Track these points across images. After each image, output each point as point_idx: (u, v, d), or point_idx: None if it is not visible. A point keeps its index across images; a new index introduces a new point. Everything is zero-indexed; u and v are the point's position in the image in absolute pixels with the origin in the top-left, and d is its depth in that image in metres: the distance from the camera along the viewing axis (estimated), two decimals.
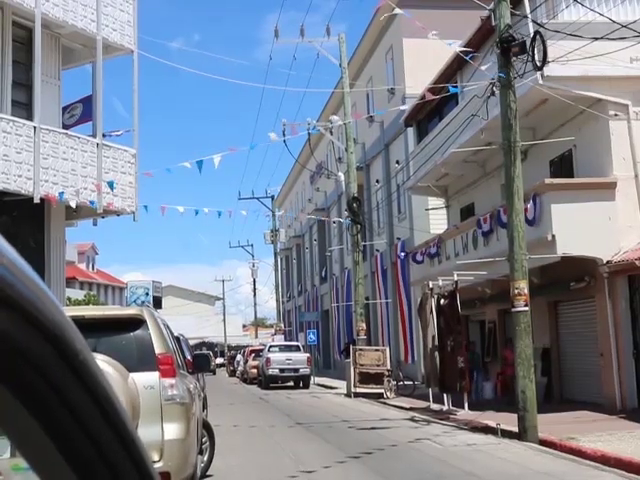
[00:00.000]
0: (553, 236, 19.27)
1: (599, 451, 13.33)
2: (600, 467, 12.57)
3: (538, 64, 16.27)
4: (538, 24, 17.73)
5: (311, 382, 40.67)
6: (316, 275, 62.10)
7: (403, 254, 31.33)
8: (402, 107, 27.96)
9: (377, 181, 41.50)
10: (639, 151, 19.97)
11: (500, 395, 24.59)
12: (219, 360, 76.93)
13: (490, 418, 18.73)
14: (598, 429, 15.96)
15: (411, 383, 29.91)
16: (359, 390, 30.19)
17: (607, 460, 12.77)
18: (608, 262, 19.57)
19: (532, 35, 16.64)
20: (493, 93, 17.71)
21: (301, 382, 40.23)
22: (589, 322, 21.28)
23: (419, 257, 29.42)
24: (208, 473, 12.01)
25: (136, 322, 8.82)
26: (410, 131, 33.95)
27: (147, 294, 44.95)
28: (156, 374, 8.53)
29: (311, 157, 40.72)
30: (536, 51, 16.31)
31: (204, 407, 14.79)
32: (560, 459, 13.77)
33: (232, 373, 61.80)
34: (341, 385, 34.31)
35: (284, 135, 29.71)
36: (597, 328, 20.71)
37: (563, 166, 22.35)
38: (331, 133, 33.20)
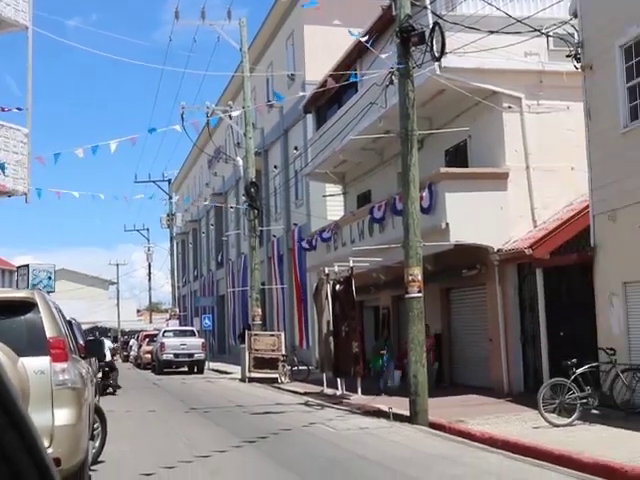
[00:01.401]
0: (447, 224, 19.65)
1: (487, 433, 13.72)
2: (488, 449, 12.94)
3: (436, 55, 16.52)
4: (437, 15, 18.02)
5: (206, 367, 40.50)
6: (212, 260, 61.76)
7: (304, 242, 31.43)
8: (302, 94, 28.04)
9: (275, 167, 41.49)
10: (531, 143, 20.53)
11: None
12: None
13: (383, 402, 19.02)
14: (486, 412, 16.42)
15: (306, 368, 30.09)
16: (254, 375, 30.24)
17: (494, 442, 13.16)
18: (499, 250, 20.10)
19: (431, 26, 16.88)
20: (392, 82, 17.91)
21: (196, 367, 40.01)
22: (480, 308, 21.84)
23: (315, 243, 29.58)
24: (100, 459, 11.84)
25: (27, 305, 8.61)
26: (309, 117, 34.06)
27: (50, 278, 43.88)
28: (47, 358, 8.35)
29: (210, 141, 40.39)
30: (435, 42, 16.55)
31: (97, 392, 14.58)
32: (449, 441, 14.11)
33: (125, 358, 60.98)
34: (236, 370, 34.27)
35: (182, 119, 29.41)
36: (487, 314, 21.28)
37: (458, 156, 22.80)
38: (230, 118, 32.97)
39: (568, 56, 17.50)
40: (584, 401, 14.57)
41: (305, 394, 23.89)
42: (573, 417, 14.28)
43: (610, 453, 10.98)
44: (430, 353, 21.54)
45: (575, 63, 17.36)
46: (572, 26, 17.79)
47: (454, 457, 12.34)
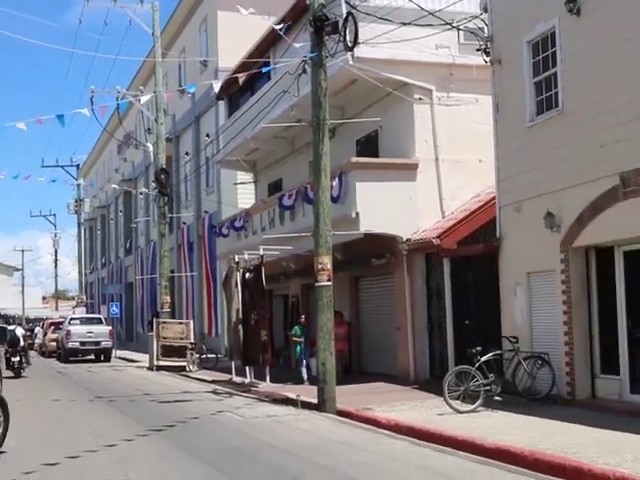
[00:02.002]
0: (357, 213, 19.79)
1: (393, 420, 13.91)
2: (394, 435, 13.12)
3: (349, 45, 16.58)
4: (351, 6, 18.06)
5: (113, 355, 39.94)
6: (121, 247, 60.89)
7: (216, 229, 31.21)
8: (214, 81, 27.73)
9: (187, 153, 41.06)
10: (440, 135, 20.82)
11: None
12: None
13: (291, 390, 19.09)
14: (393, 399, 16.64)
15: (214, 356, 29.95)
16: (162, 363, 29.98)
17: (400, 428, 13.36)
18: (407, 240, 20.36)
19: (344, 16, 16.93)
20: (305, 71, 17.93)
21: (102, 355, 39.42)
22: (388, 297, 22.08)
23: (226, 231, 29.44)
24: (2, 450, 11.58)
25: None
26: (221, 104, 33.82)
27: None
28: None
29: (120, 126, 39.74)
30: (348, 32, 16.59)
31: None
32: (357, 429, 14.26)
33: (30, 346, 59.62)
34: (144, 358, 33.88)
35: (92, 102, 28.86)
36: (395, 303, 21.53)
37: (369, 146, 22.97)
38: (140, 103, 32.48)
39: (478, 50, 17.81)
40: (488, 388, 14.90)
41: (213, 382, 23.81)
42: (477, 404, 14.59)
43: (511, 438, 11.26)
44: (345, 341, 21.66)
45: (484, 57, 17.67)
46: (482, 20, 18.12)
47: (361, 444, 12.47)
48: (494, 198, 17.88)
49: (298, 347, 22.25)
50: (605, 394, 14.52)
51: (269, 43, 26.29)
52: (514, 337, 15.88)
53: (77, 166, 67.45)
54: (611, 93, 13.73)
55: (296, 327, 22.82)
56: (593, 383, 14.91)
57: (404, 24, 18.27)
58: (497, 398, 15.14)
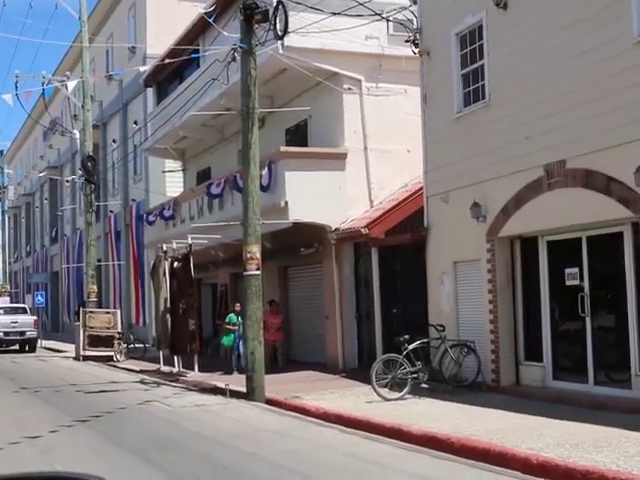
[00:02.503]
0: (286, 203, 19.81)
1: (322, 408, 14.00)
2: (322, 423, 13.21)
3: (279, 34, 16.54)
4: None
5: (38, 345, 39.23)
6: (46, 235, 59.77)
7: (144, 217, 30.82)
8: (142, 68, 27.47)
9: (114, 140, 40.50)
10: (369, 125, 20.95)
11: (231, 356, 25.13)
12: None
13: (220, 380, 19.05)
14: (321, 388, 16.75)
15: (142, 346, 29.69)
16: (88, 353, 29.59)
17: (328, 416, 13.45)
18: (336, 229, 20.46)
19: (275, 5, 16.87)
20: (234, 59, 17.82)
21: (27, 346, 38.66)
22: (317, 286, 22.16)
23: (153, 219, 29.15)
24: None
25: None
26: (150, 91, 33.43)
27: None
28: None
29: (45, 112, 38.97)
30: (278, 21, 16.55)
31: None
32: (285, 417, 14.31)
33: None
34: (70, 349, 33.39)
35: (16, 87, 28.24)
36: (324, 292, 21.63)
37: (298, 135, 22.99)
38: (67, 88, 31.90)
39: (407, 41, 17.95)
40: (415, 376, 15.09)
41: (141, 372, 23.61)
42: (404, 391, 14.77)
43: (438, 425, 11.44)
44: (281, 331, 21.56)
45: (413, 48, 17.82)
46: (411, 12, 18.27)
47: (289, 432, 12.53)
48: (422, 188, 18.08)
49: (232, 335, 22.07)
50: (529, 381, 14.85)
51: (199, 30, 26.06)
52: (441, 325, 16.11)
53: (0, 153, 65.97)
54: (536, 86, 14.00)
55: (231, 315, 22.62)
56: (517, 370, 15.22)
57: (334, 14, 18.31)
58: (424, 385, 15.35)
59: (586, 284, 13.61)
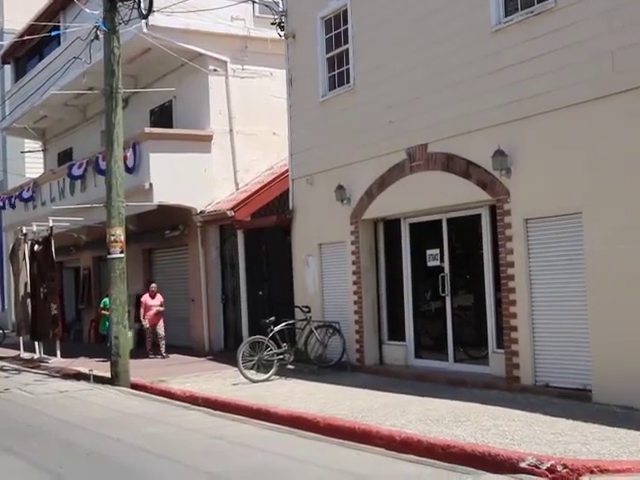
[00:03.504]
0: (151, 184, 19.55)
1: (188, 391, 13.95)
2: (189, 407, 13.16)
3: (144, 12, 16.24)
4: None
5: None
6: None
7: (4, 199, 29.67)
8: None
9: None
10: (235, 107, 20.88)
11: (94, 341, 24.68)
12: None
13: (83, 365, 18.68)
14: (188, 371, 16.69)
15: (1, 332, 28.73)
16: None
17: (195, 399, 13.42)
18: (202, 212, 20.36)
19: None
20: (97, 37, 17.40)
21: None
22: (182, 269, 22.01)
23: (13, 201, 28.18)
24: None
25: None
26: (7, 68, 32.25)
27: None
28: None
29: None
30: None
31: None
32: (151, 401, 14.18)
33: None
34: None
35: None
36: (189, 275, 21.50)
37: (163, 116, 22.70)
38: None
39: (273, 24, 17.98)
40: (281, 357, 15.23)
41: (0, 359, 22.87)
42: (270, 373, 14.89)
43: (304, 405, 11.60)
44: (160, 314, 20.67)
45: (279, 31, 17.86)
46: None
47: (156, 416, 12.43)
48: (287, 171, 18.18)
49: (106, 320, 20.96)
50: (392, 360, 15.22)
51: (60, 6, 25.30)
52: (306, 307, 16.29)
53: None
54: (399, 71, 14.28)
55: (106, 299, 21.39)
56: (381, 350, 15.58)
57: None
58: (290, 367, 15.51)
59: (446, 265, 14.04)
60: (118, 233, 16.29)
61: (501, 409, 10.41)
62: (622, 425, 8.97)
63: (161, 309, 20.44)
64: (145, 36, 19.73)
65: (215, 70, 20.86)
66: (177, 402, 13.70)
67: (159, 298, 20.54)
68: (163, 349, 20.03)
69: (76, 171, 22.54)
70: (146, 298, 20.45)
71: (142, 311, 20.40)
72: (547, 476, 7.37)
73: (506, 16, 12.10)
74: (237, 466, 8.69)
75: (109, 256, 16.40)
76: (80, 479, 8.57)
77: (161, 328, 20.29)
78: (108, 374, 16.24)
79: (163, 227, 21.58)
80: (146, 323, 20.25)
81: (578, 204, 10.85)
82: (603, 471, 7.23)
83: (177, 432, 11.03)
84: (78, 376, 17.61)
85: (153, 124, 22.50)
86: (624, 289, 10.18)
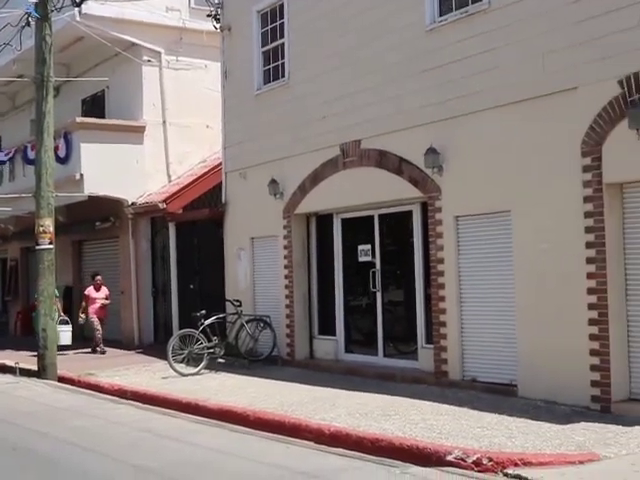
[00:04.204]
0: (81, 175, 19.30)
1: (116, 385, 13.83)
2: (118, 400, 13.05)
3: (77, 0, 16.01)
4: None
5: None
6: None
7: None
8: None
9: None
10: (169, 98, 20.71)
11: (20, 334, 24.23)
12: None
13: (9, 358, 18.35)
14: (117, 364, 16.55)
15: None
16: None
17: (124, 393, 13.31)
18: (133, 204, 20.17)
19: None
20: (28, 24, 17.07)
21: None
22: (113, 261, 21.76)
23: None
24: None
25: None
26: None
27: None
28: None
29: None
30: None
31: None
32: (79, 394, 14.02)
33: None
34: None
35: None
36: (120, 267, 21.27)
37: (95, 106, 22.40)
38: None
39: (209, 16, 17.88)
40: (211, 351, 15.18)
41: None
42: (200, 366, 14.84)
43: (234, 399, 11.59)
44: (104, 308, 20.06)
45: (215, 23, 17.77)
46: None
47: (84, 410, 12.30)
48: (221, 164, 18.11)
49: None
50: (322, 354, 15.29)
51: None
52: (237, 300, 16.25)
53: None
54: (333, 67, 14.33)
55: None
56: (311, 344, 15.63)
57: None
58: (221, 360, 15.48)
59: (378, 260, 14.15)
60: (47, 224, 16.05)
61: (429, 403, 10.56)
62: (546, 419, 9.18)
63: (106, 302, 19.74)
64: (78, 24, 19.42)
65: (149, 61, 20.66)
66: (105, 395, 13.57)
67: (104, 291, 19.78)
68: (100, 347, 19.22)
69: (2, 157, 22.13)
70: (90, 291, 19.68)
71: (84, 304, 19.57)
72: (473, 469, 7.49)
73: (441, 15, 12.24)
74: (165, 459, 8.64)
75: (37, 247, 16.14)
76: (5, 474, 8.42)
77: (104, 323, 19.63)
78: (35, 367, 15.99)
79: (93, 219, 21.32)
80: (83, 318, 19.42)
81: (507, 203, 11.05)
82: (527, 464, 7.39)
83: (104, 425, 10.93)
84: (4, 369, 17.31)
85: (85, 114, 22.19)
86: (548, 287, 10.40)
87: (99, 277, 19.82)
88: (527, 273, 10.73)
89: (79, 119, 20.38)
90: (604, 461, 7.42)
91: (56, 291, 19.11)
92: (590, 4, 9.86)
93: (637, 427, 8.57)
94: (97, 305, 19.52)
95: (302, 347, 15.56)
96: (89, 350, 19.30)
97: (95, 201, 19.74)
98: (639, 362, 9.53)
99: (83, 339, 20.01)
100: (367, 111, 13.54)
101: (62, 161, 18.99)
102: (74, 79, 21.96)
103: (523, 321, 10.79)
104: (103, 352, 19.03)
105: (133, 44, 20.45)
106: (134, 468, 8.32)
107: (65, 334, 19.23)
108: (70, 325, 19.63)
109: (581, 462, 7.38)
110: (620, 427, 8.62)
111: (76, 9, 18.25)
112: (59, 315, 18.91)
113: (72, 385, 14.99)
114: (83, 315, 19.49)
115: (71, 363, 16.54)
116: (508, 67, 10.99)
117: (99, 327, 19.28)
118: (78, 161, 19.40)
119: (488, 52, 11.29)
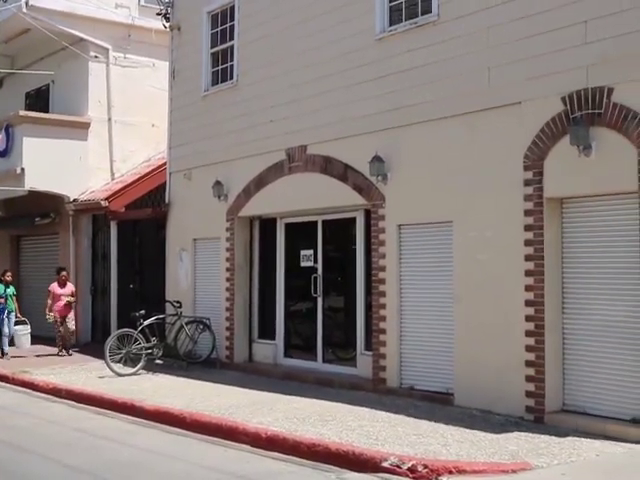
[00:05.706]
0: (22, 169, 19.03)
1: (51, 383, 13.65)
2: (52, 399, 12.89)
3: None
4: None
5: None
6: None
7: None
8: None
9: None
10: (115, 95, 20.51)
11: None
12: None
13: None
14: (53, 363, 16.37)
15: None
16: None
17: (59, 391, 13.15)
18: (75, 200, 19.93)
19: None
20: None
21: None
22: (52, 258, 21.45)
23: None
24: None
25: None
26: None
27: None
28: None
29: None
30: None
31: None
32: (13, 392, 13.82)
33: None
34: None
35: None
36: (59, 264, 20.97)
37: (39, 100, 22.11)
38: None
39: (158, 14, 17.79)
40: (149, 351, 15.06)
41: None
42: (138, 367, 14.72)
43: (171, 400, 11.52)
44: (69, 306, 18.21)
45: (164, 22, 17.69)
46: None
47: (17, 408, 12.13)
48: (165, 163, 18.00)
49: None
50: (261, 358, 15.28)
51: None
52: (177, 302, 16.15)
53: None
54: (281, 72, 14.35)
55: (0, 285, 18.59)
56: (251, 347, 15.60)
57: None
58: (159, 361, 15.35)
59: (320, 266, 14.20)
60: None
61: (367, 410, 10.62)
62: (480, 428, 9.31)
63: (72, 299, 18.19)
64: (24, 16, 19.17)
65: (96, 57, 20.45)
66: (40, 394, 13.40)
67: (70, 287, 18.38)
68: (69, 345, 18.27)
69: None
70: (54, 287, 18.19)
71: (49, 302, 18.08)
72: (408, 476, 7.57)
73: (390, 25, 12.34)
74: (100, 459, 8.57)
75: None
76: None
77: (71, 322, 18.23)
78: None
79: (33, 214, 21.01)
80: (52, 317, 17.96)
81: (449, 213, 11.17)
82: (461, 472, 7.49)
83: (39, 424, 10.79)
84: None
85: (29, 107, 21.88)
86: (484, 297, 10.55)
87: (64, 272, 18.50)
88: (466, 284, 10.87)
89: (22, 112, 20.09)
90: (536, 470, 7.56)
91: (13, 289, 18.67)
92: (535, 21, 10.05)
93: (569, 437, 8.75)
94: (62, 302, 18.02)
95: (241, 350, 15.53)
96: (60, 353, 18.08)
97: (35, 196, 19.47)
98: (573, 374, 9.73)
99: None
100: (314, 117, 13.59)
101: (2, 154, 18.72)
102: (18, 71, 21.65)
103: (461, 331, 10.93)
104: (70, 354, 18.04)
105: (80, 39, 20.22)
106: (68, 468, 8.24)
107: (24, 337, 18.42)
108: (28, 325, 18.64)
109: (514, 471, 7.51)
110: (553, 437, 8.79)
111: (23, 1, 18.01)
112: (16, 316, 18.37)
113: (6, 383, 14.76)
114: (51, 313, 17.99)
115: (5, 361, 16.24)
116: (454, 79, 11.13)
117: (61, 328, 18.02)
118: (19, 155, 19.12)
119: (435, 63, 11.41)
